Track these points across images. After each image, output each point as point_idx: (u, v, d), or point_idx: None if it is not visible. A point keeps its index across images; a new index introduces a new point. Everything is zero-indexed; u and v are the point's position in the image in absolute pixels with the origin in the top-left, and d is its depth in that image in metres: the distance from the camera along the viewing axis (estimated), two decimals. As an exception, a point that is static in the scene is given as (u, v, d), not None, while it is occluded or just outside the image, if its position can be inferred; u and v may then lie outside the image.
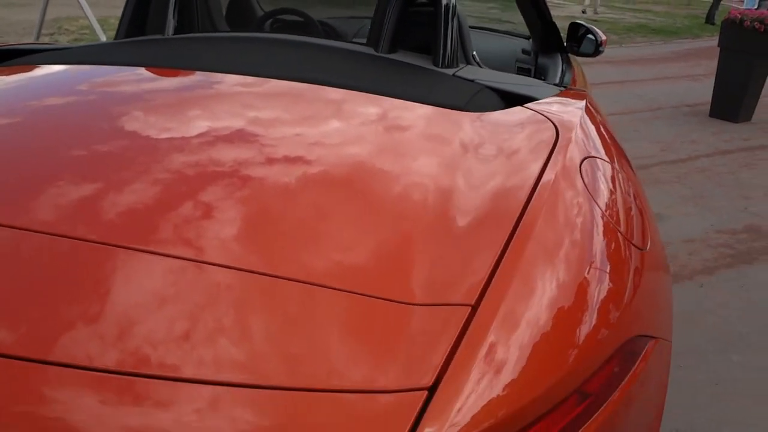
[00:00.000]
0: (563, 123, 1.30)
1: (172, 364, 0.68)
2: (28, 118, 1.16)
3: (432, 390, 0.69)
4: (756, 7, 10.49)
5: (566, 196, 1.04)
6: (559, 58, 2.62)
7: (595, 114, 1.55)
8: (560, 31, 2.74)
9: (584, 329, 0.83)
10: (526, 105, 1.41)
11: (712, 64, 6.62)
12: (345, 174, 1.02)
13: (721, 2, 16.11)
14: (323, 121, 1.19)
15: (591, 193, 1.08)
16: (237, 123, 1.15)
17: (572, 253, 0.93)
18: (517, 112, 1.36)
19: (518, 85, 1.59)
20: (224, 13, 2.46)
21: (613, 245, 1.02)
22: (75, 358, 0.68)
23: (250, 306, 0.76)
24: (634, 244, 1.07)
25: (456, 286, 0.81)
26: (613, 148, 1.42)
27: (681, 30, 14.49)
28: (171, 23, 1.88)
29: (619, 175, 1.27)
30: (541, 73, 2.64)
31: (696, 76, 8.73)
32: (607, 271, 0.95)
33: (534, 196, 1.00)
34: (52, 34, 8.43)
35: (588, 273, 0.92)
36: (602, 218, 1.05)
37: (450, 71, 1.62)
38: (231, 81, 1.34)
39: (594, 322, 0.85)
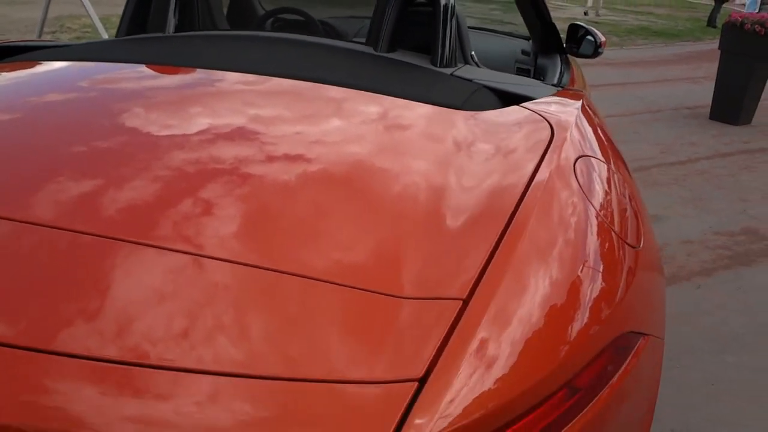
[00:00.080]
0: (558, 122, 1.31)
1: (168, 354, 0.69)
2: (30, 114, 1.17)
3: (422, 381, 0.70)
4: (757, 10, 10.52)
5: (560, 194, 1.05)
6: (558, 59, 2.64)
7: (591, 114, 1.56)
8: (560, 32, 2.75)
9: (574, 324, 0.85)
10: (522, 104, 1.42)
11: (713, 67, 6.63)
12: (341, 171, 1.04)
13: (723, 5, 16.10)
14: (321, 118, 1.20)
15: (585, 192, 1.09)
16: (237, 120, 1.16)
17: (564, 249, 0.94)
18: (513, 112, 1.37)
19: (515, 85, 1.61)
20: (225, 12, 2.47)
21: (605, 243, 1.03)
22: (75, 348, 0.69)
23: (244, 298, 0.77)
24: (626, 243, 1.08)
25: (448, 281, 0.83)
26: (609, 147, 1.43)
27: (682, 33, 14.49)
28: (172, 21, 1.89)
29: (614, 174, 1.28)
30: (540, 74, 2.65)
31: (697, 78, 8.74)
32: (599, 267, 0.96)
33: (527, 194, 1.01)
34: (54, 32, 8.45)
35: (579, 269, 0.93)
36: (595, 216, 1.06)
37: (448, 71, 1.64)
38: (231, 78, 1.35)
39: (584, 317, 0.87)
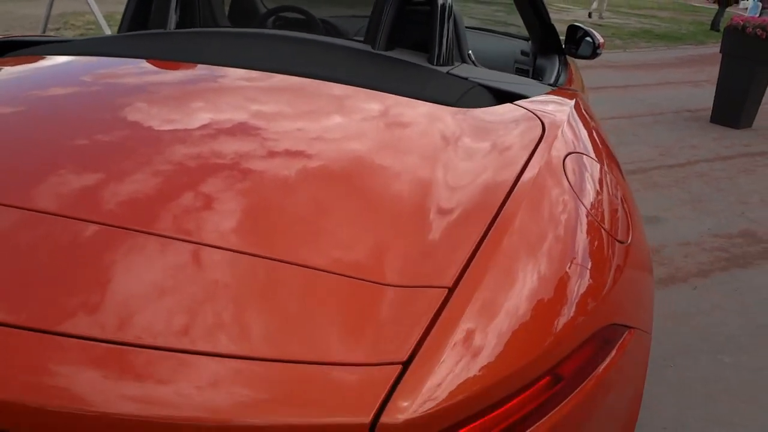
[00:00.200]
0: (550, 120, 1.33)
1: (161, 335, 0.72)
2: (33, 107, 1.19)
3: (406, 365, 0.72)
4: (758, 14, 10.52)
5: (548, 188, 1.08)
6: (557, 59, 2.66)
7: (585, 113, 1.58)
8: (561, 33, 2.78)
9: (558, 314, 0.87)
10: (515, 102, 1.44)
11: (715, 71, 6.64)
12: (335, 166, 1.06)
13: (727, 9, 16.11)
14: (317, 114, 1.22)
15: (573, 187, 1.11)
16: (236, 114, 1.18)
17: (550, 242, 0.97)
18: (505, 109, 1.39)
19: (510, 84, 1.63)
20: (227, 11, 2.50)
21: (592, 237, 1.05)
22: (79, 330, 0.72)
23: (238, 285, 0.79)
24: (614, 237, 1.10)
25: (435, 270, 0.85)
26: (601, 146, 1.45)
27: (686, 36, 14.51)
28: (173, 19, 1.91)
29: (604, 171, 1.30)
30: (538, 74, 2.67)
31: (699, 82, 8.75)
32: (585, 260, 0.98)
33: (516, 188, 1.04)
34: (58, 29, 8.48)
35: (565, 262, 0.95)
36: (583, 211, 1.08)
37: (445, 69, 1.66)
38: (230, 74, 1.38)
39: (568, 307, 0.89)
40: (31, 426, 0.66)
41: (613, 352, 0.95)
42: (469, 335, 0.77)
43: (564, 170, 1.14)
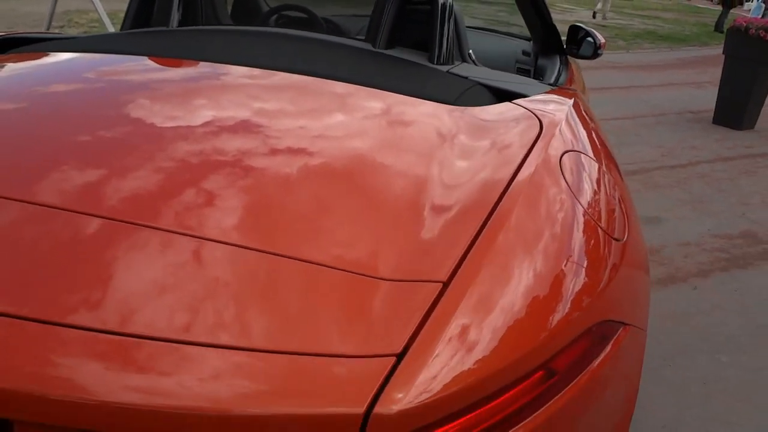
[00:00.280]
0: (548, 118, 1.34)
1: (160, 326, 0.73)
2: (36, 103, 1.21)
3: (400, 357, 0.74)
4: (761, 15, 10.51)
5: (544, 186, 1.09)
6: (558, 59, 2.67)
7: (584, 112, 1.59)
8: (563, 34, 2.78)
9: (552, 308, 0.88)
10: (514, 101, 1.45)
11: (718, 72, 6.64)
12: (334, 163, 1.07)
13: (731, 11, 16.11)
14: (317, 111, 1.23)
15: (569, 185, 1.12)
16: (238, 111, 1.19)
17: (545, 238, 0.98)
18: (504, 108, 1.40)
19: (509, 83, 1.64)
20: (230, 10, 2.51)
21: (587, 234, 1.06)
22: (80, 321, 0.73)
23: (237, 277, 0.81)
24: (609, 235, 1.11)
25: (430, 265, 0.86)
26: (599, 145, 1.46)
27: (689, 37, 14.51)
28: (175, 17, 1.93)
29: (601, 170, 1.31)
30: (539, 74, 2.68)
31: (702, 83, 8.76)
32: (580, 257, 0.99)
33: (512, 185, 1.05)
34: (62, 27, 8.50)
35: (560, 258, 0.96)
36: (579, 209, 1.09)
37: (444, 68, 1.67)
38: (232, 71, 1.39)
39: (562, 302, 0.90)
40: (34, 415, 0.68)
41: (608, 348, 0.96)
42: (463, 328, 0.78)
43: (561, 168, 1.15)
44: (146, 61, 1.44)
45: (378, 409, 0.69)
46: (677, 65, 10.42)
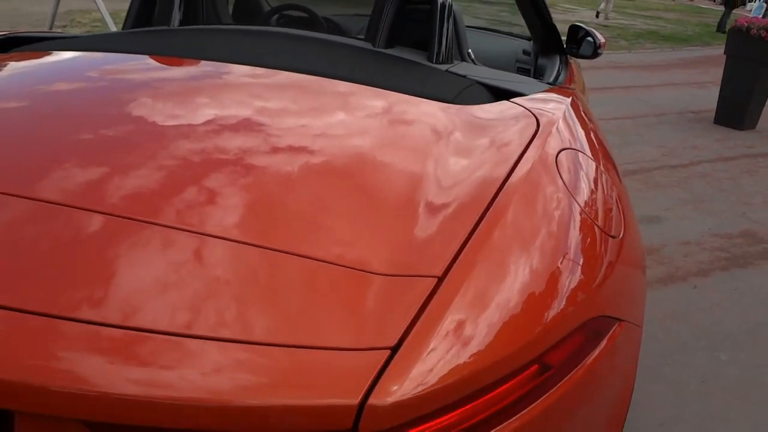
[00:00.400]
0: (545, 116, 1.35)
1: (161, 320, 0.75)
2: (38, 101, 1.22)
3: (395, 349, 0.75)
4: (762, 15, 10.50)
5: (540, 183, 1.10)
6: (558, 59, 2.68)
7: (581, 111, 1.60)
8: (563, 34, 2.79)
9: (545, 303, 0.89)
10: (512, 100, 1.46)
11: (720, 72, 6.64)
12: (333, 160, 1.08)
13: (733, 11, 16.10)
14: (317, 110, 1.25)
15: (565, 182, 1.13)
16: (238, 109, 1.21)
17: (540, 234, 0.99)
18: (501, 106, 1.41)
19: (507, 82, 1.65)
20: (231, 10, 2.52)
21: (582, 230, 1.07)
22: (82, 314, 0.75)
23: (234, 273, 0.82)
24: (605, 232, 1.12)
25: (425, 261, 0.88)
26: (596, 143, 1.47)
27: (691, 37, 14.50)
28: (176, 17, 1.94)
29: (597, 168, 1.32)
30: (539, 73, 2.69)
31: (703, 83, 8.76)
32: (575, 253, 1.00)
33: (508, 183, 1.06)
34: (64, 27, 8.53)
35: (554, 253, 0.97)
36: (574, 206, 1.10)
37: (444, 67, 1.68)
38: (232, 70, 1.40)
39: (556, 297, 0.91)
40: (35, 406, 0.69)
41: (603, 343, 0.97)
42: (457, 323, 0.80)
43: (557, 165, 1.16)
44: (148, 60, 1.45)
45: (372, 400, 0.70)
46: (679, 65, 10.42)
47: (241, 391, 0.69)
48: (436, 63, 1.70)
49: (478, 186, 1.06)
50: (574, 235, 1.04)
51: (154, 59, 1.45)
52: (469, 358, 0.77)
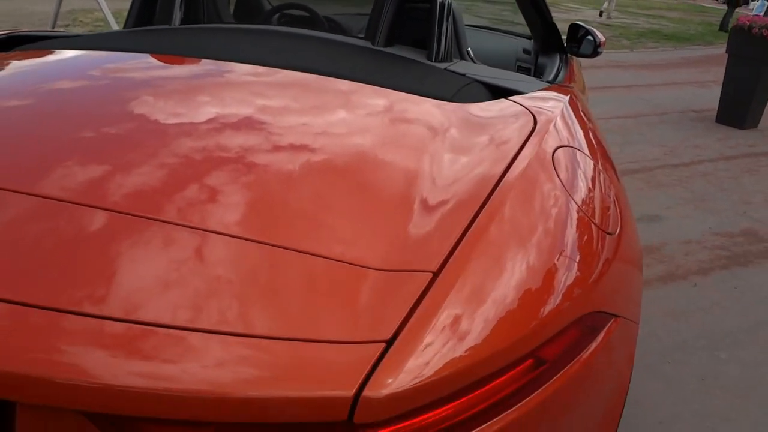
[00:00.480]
0: (542, 114, 1.36)
1: (162, 313, 0.76)
2: (41, 100, 1.23)
3: (390, 342, 0.76)
4: (764, 13, 10.49)
5: (536, 180, 1.11)
6: (558, 58, 2.68)
7: (579, 109, 1.61)
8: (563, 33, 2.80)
9: (540, 297, 0.90)
10: (510, 98, 1.47)
11: (722, 71, 6.63)
12: (332, 157, 1.09)
13: (736, 10, 16.08)
14: (317, 108, 1.26)
15: (562, 179, 1.14)
16: (239, 107, 1.22)
17: (536, 231, 1.00)
18: (499, 104, 1.42)
19: (506, 80, 1.66)
20: (232, 9, 2.53)
21: (579, 227, 1.08)
22: (84, 307, 0.76)
23: (232, 267, 0.83)
24: (601, 228, 1.13)
25: (421, 256, 0.89)
26: (594, 141, 1.48)
27: (694, 37, 14.48)
28: (178, 16, 1.95)
29: (595, 165, 1.33)
30: (539, 72, 2.70)
31: (705, 82, 8.75)
32: (571, 248, 1.01)
33: (504, 179, 1.07)
34: (67, 26, 8.54)
35: (550, 249, 0.98)
36: (571, 203, 1.11)
37: (443, 65, 1.69)
38: (233, 69, 1.41)
39: (551, 292, 0.92)
40: (36, 397, 0.70)
41: (599, 339, 0.98)
42: (452, 317, 0.81)
43: (553, 163, 1.17)
44: (149, 59, 1.46)
45: (367, 392, 0.71)
46: (681, 64, 10.41)
47: (239, 383, 0.70)
48: (435, 61, 1.71)
49: (475, 183, 1.07)
50: (570, 231, 1.05)
51: (155, 58, 1.46)
52: (464, 351, 0.78)
